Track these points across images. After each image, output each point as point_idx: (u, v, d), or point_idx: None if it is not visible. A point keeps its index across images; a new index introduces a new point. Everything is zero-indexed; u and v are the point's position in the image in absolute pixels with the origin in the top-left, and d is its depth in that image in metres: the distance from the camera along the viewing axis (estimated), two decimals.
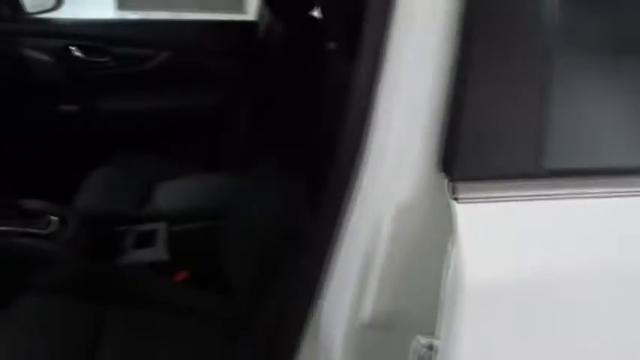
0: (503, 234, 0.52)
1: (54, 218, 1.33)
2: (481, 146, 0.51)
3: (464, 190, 0.51)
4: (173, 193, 1.40)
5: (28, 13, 1.94)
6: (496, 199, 0.52)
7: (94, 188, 1.63)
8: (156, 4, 2.19)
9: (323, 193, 0.73)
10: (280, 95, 1.49)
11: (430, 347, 0.53)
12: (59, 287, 1.13)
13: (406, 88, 0.54)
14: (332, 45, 1.13)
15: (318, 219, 0.74)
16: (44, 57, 1.85)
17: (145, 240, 1.39)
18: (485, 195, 0.52)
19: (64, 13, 1.99)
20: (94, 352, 1.01)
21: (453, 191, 0.51)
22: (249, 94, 1.78)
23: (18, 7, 1.92)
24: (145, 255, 1.33)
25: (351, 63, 0.76)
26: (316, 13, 1.50)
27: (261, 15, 2.03)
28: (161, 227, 1.40)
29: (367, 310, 0.58)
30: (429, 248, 0.54)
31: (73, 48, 1.90)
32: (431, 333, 0.52)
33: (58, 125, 1.92)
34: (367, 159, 0.57)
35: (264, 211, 1.13)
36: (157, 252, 1.33)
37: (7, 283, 1.13)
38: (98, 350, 1.02)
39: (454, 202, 0.50)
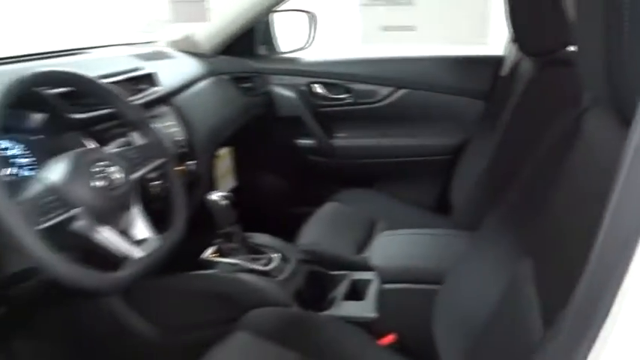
0: None
1: (276, 255, 1.37)
2: None
3: None
4: (391, 246, 1.32)
5: (281, 52, 2.10)
6: None
7: (318, 224, 1.66)
8: (399, 38, 2.16)
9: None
10: (519, 146, 1.30)
11: None
12: (266, 328, 1.14)
13: None
14: (592, 96, 0.91)
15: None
16: (289, 93, 1.97)
17: (355, 291, 1.34)
18: None
19: (313, 50, 2.10)
20: None
21: None
22: (486, 137, 1.62)
23: (272, 47, 2.10)
24: (352, 309, 1.28)
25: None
26: (573, 51, 1.27)
27: (507, 50, 1.85)
28: (373, 280, 1.34)
29: None
30: None
31: (316, 85, 2.00)
32: None
33: (294, 159, 2.03)
34: None
35: (481, 285, 0.97)
36: (366, 308, 1.27)
37: (222, 319, 1.18)
38: None
39: None
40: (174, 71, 1.60)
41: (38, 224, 0.80)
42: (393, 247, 1.32)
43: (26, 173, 0.98)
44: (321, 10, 2.10)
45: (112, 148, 1.05)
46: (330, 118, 2.02)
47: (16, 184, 0.88)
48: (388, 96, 1.97)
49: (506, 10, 1.36)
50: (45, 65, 1.01)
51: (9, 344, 1.32)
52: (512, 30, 1.38)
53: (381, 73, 1.98)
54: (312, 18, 2.05)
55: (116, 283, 0.88)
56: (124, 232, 0.94)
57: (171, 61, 1.72)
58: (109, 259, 0.90)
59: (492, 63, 1.85)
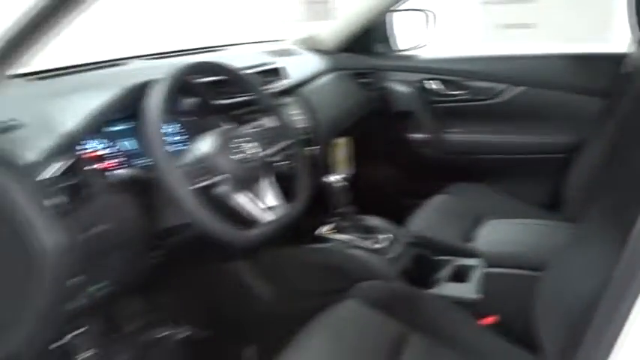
0: None
1: (386, 236, 1.48)
2: None
3: None
4: (497, 233, 1.37)
5: (398, 50, 2.20)
6: None
7: (427, 214, 1.73)
8: (520, 35, 2.16)
9: None
10: (636, 142, 1.29)
11: None
12: (374, 298, 1.24)
13: None
14: None
15: None
16: (404, 88, 2.06)
17: (459, 275, 1.41)
18: None
19: (431, 48, 2.17)
20: None
21: None
22: (603, 135, 1.60)
23: (389, 45, 2.20)
24: (456, 289, 1.34)
25: None
26: None
27: (630, 48, 1.80)
28: (478, 265, 1.40)
29: None
30: None
31: (431, 81, 2.07)
32: None
33: (408, 152, 2.11)
34: None
35: (583, 274, 1.00)
36: (469, 289, 1.33)
37: (333, 289, 1.30)
38: None
39: None
40: (300, 66, 1.76)
41: (192, 185, 0.97)
42: (500, 233, 1.37)
43: (179, 148, 1.18)
44: (442, 9, 2.16)
45: (247, 129, 1.22)
46: (443, 114, 2.08)
47: (172, 155, 1.06)
48: (504, 93, 1.99)
49: (629, 8, 1.35)
50: (191, 60, 1.20)
51: (152, 293, 1.55)
52: (636, 27, 1.37)
53: (497, 70, 2.00)
54: (431, 17, 2.11)
55: (249, 239, 1.04)
56: (257, 200, 1.10)
57: (298, 57, 1.89)
58: (242, 221, 1.06)
59: (613, 60, 1.80)
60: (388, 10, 2.04)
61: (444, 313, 1.24)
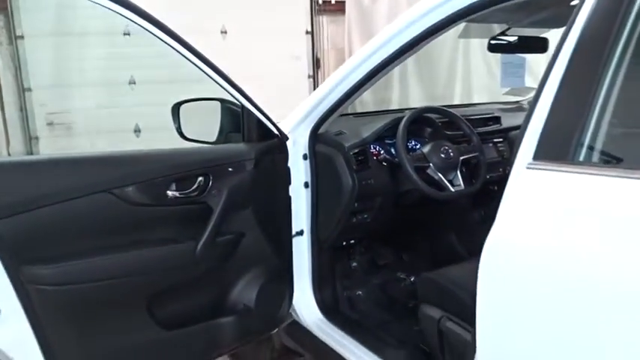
0: None
1: None
2: None
3: None
4: None
5: None
6: None
7: None
8: None
9: None
10: None
11: None
12: None
13: None
14: None
15: None
16: None
17: None
18: None
19: None
20: None
21: None
22: None
23: None
24: None
25: None
26: None
27: None
28: None
29: None
30: None
31: None
32: None
33: None
34: None
35: None
36: None
37: None
38: None
39: None
40: (517, 117, 2.60)
41: (413, 165, 1.98)
42: None
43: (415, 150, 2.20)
44: None
45: (455, 145, 2.16)
46: None
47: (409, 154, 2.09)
48: None
49: None
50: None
51: (395, 246, 2.54)
52: None
53: None
54: None
55: (440, 196, 1.97)
56: (450, 180, 2.04)
57: (524, 112, 2.72)
58: (439, 188, 2.00)
59: None
60: None
61: None
